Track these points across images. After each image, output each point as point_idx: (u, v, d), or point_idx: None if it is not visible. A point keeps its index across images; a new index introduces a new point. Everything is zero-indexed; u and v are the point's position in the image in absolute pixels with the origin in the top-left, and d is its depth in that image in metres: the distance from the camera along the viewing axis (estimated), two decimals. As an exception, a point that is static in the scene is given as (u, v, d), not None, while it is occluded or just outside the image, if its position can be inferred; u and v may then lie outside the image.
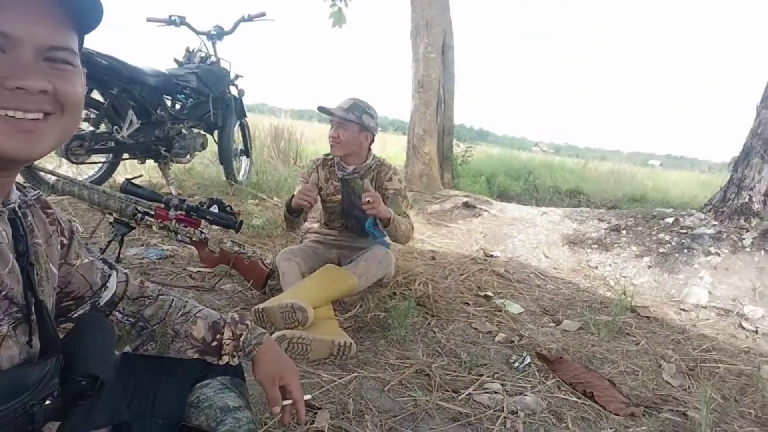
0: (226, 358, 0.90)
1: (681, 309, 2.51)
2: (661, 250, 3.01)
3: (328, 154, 2.22)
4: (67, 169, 3.06)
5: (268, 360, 0.92)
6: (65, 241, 0.77)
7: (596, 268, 2.98)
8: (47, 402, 0.58)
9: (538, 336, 1.95)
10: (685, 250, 2.93)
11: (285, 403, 0.89)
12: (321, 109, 2.14)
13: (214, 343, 0.89)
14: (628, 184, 8.03)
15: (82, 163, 2.81)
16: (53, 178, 1.94)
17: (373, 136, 2.14)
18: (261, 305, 1.69)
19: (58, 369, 0.62)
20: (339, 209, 2.18)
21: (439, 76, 4.61)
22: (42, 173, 2.50)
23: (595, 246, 3.20)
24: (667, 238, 3.10)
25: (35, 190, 0.75)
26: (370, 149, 2.16)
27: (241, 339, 0.91)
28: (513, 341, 1.88)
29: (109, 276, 0.85)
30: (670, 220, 3.27)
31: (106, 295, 0.84)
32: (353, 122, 2.05)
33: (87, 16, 0.59)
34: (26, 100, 0.53)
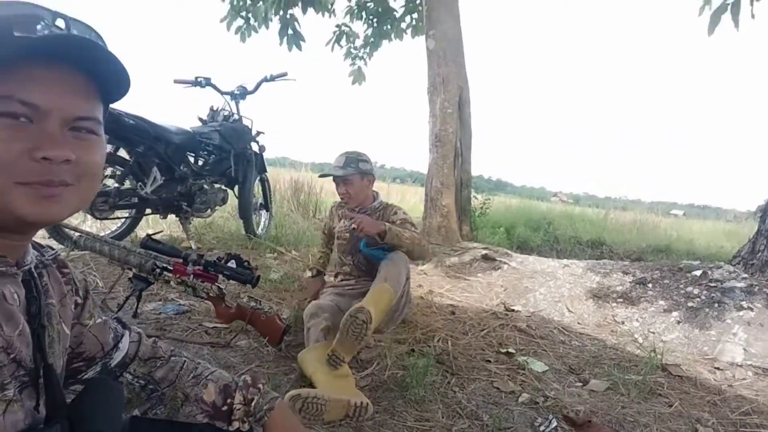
0: (236, 424, 0.86)
1: (715, 367, 2.38)
2: (690, 304, 2.90)
3: (341, 203, 2.51)
4: (91, 224, 3.13)
5: (280, 427, 0.88)
6: (79, 301, 0.77)
7: (623, 323, 2.88)
8: None
9: (564, 396, 1.86)
10: (716, 305, 2.81)
11: None
12: (322, 176, 2.47)
13: (225, 408, 0.86)
14: (652, 234, 7.86)
15: (106, 218, 2.87)
16: (76, 234, 1.98)
17: (374, 177, 2.40)
18: (327, 396, 1.51)
19: None
20: (349, 247, 2.38)
21: (456, 130, 4.68)
22: (66, 229, 2.55)
23: (621, 300, 3.10)
24: (696, 291, 2.99)
25: (53, 249, 0.75)
26: (374, 192, 2.43)
27: (253, 404, 0.87)
28: (537, 402, 1.79)
29: (122, 336, 0.84)
30: (698, 272, 3.17)
31: (118, 356, 0.83)
32: (354, 175, 2.31)
33: (114, 89, 0.61)
34: (51, 171, 0.54)
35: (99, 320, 0.81)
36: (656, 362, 2.23)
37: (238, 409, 0.86)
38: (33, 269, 0.65)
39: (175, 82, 3.51)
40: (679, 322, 2.79)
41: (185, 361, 0.90)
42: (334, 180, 2.38)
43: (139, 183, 2.93)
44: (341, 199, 2.40)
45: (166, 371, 0.87)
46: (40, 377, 0.60)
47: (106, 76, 0.59)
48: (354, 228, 2.10)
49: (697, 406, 1.91)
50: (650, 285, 3.19)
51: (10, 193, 0.53)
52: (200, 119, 3.62)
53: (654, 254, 6.22)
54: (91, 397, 0.65)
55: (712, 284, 3.00)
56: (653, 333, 2.74)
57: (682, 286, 3.10)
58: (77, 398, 0.65)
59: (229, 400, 0.86)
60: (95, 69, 0.57)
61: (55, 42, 0.55)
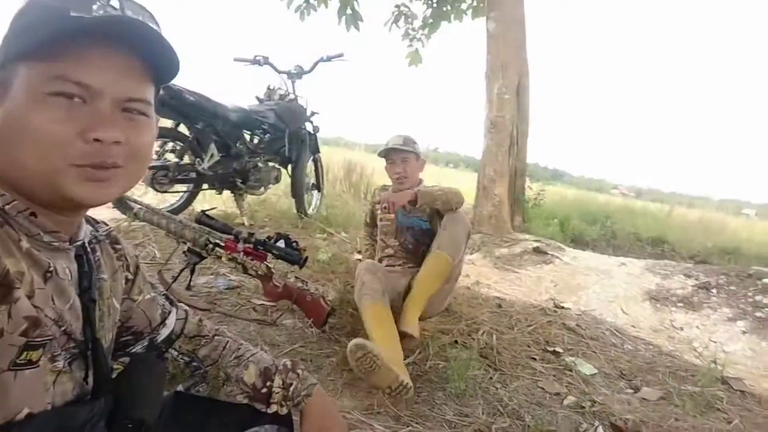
0: (274, 407, 0.87)
1: (783, 385, 2.22)
2: (758, 314, 2.70)
3: (385, 186, 2.55)
4: (152, 196, 3.26)
5: (317, 414, 0.88)
6: (130, 277, 0.79)
7: (681, 329, 2.72)
8: None
9: (612, 403, 1.78)
10: (788, 317, 2.61)
11: None
12: (385, 151, 2.36)
13: (264, 390, 0.87)
14: (719, 234, 7.39)
15: (166, 191, 2.98)
16: (137, 206, 2.06)
17: (424, 162, 2.42)
18: (384, 361, 1.52)
19: (107, 411, 0.62)
20: (393, 228, 2.36)
21: (512, 117, 4.52)
22: (128, 201, 2.68)
23: (681, 304, 2.93)
24: (766, 301, 2.78)
25: (107, 225, 0.77)
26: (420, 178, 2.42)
27: (291, 389, 0.88)
28: (584, 407, 1.72)
29: (169, 313, 0.86)
30: (770, 280, 2.94)
31: (164, 332, 0.85)
32: (413, 153, 2.32)
33: (165, 70, 0.61)
34: (102, 152, 0.55)
35: (148, 296, 0.83)
36: (716, 374, 2.10)
37: (277, 393, 0.87)
38: (87, 244, 0.67)
39: (235, 60, 3.57)
40: (744, 333, 2.60)
41: (228, 341, 0.91)
42: (389, 158, 2.36)
43: (197, 159, 3.02)
44: (395, 178, 2.36)
45: (209, 350, 0.88)
46: (89, 350, 0.62)
47: (158, 58, 0.59)
48: (385, 208, 2.22)
49: (761, 426, 1.78)
50: (714, 290, 3.00)
51: (64, 175, 0.54)
52: (257, 98, 3.68)
53: (720, 257, 5.84)
54: (133, 374, 0.67)
55: (786, 294, 2.78)
56: (714, 342, 2.58)
57: (750, 293, 2.89)
58: (121, 374, 0.67)
59: (268, 383, 0.87)
60: (147, 50, 0.57)
61: (110, 22, 0.55)
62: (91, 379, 0.62)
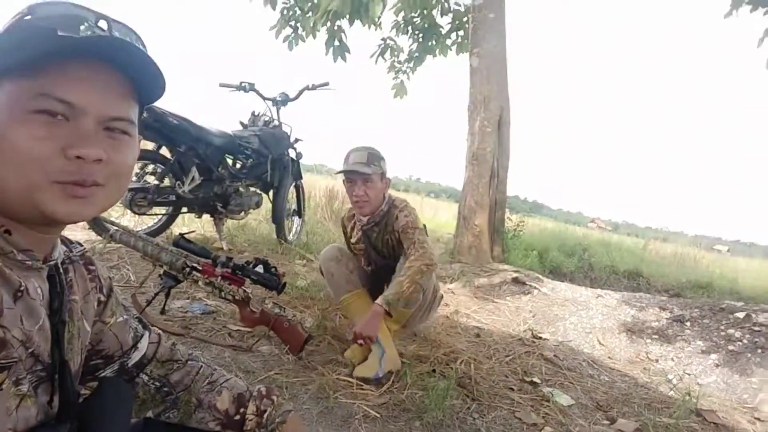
0: None
1: (755, 418, 2.24)
2: (730, 347, 2.74)
3: (352, 210, 2.28)
4: (130, 218, 3.21)
5: None
6: (102, 299, 0.78)
7: (656, 361, 2.75)
8: None
9: (589, 435, 1.78)
10: (759, 350, 2.65)
11: None
12: (346, 173, 2.08)
13: (237, 417, 0.85)
14: (693, 269, 7.54)
15: (144, 213, 2.94)
16: (113, 227, 2.03)
17: (389, 181, 2.16)
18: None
19: None
20: (365, 256, 2.27)
21: (493, 150, 4.62)
22: (104, 222, 2.63)
23: (656, 337, 2.96)
24: (738, 334, 2.83)
25: (81, 245, 0.76)
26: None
27: (265, 415, 0.86)
28: (560, 438, 1.71)
29: (141, 336, 0.84)
30: (741, 315, 3.00)
31: (136, 356, 0.83)
32: (378, 173, 2.06)
33: (150, 90, 0.62)
34: (83, 170, 0.55)
35: (120, 319, 0.81)
36: (690, 406, 2.12)
37: (251, 420, 0.85)
38: (59, 264, 0.66)
39: (221, 85, 3.60)
40: (717, 366, 2.64)
41: (202, 366, 0.89)
42: (348, 179, 2.07)
43: (178, 181, 3.00)
44: (355, 202, 2.09)
45: (182, 375, 0.86)
46: (56, 373, 0.60)
47: (143, 79, 0.60)
48: (359, 344, 1.89)
49: (733, 459, 1.79)
50: (688, 323, 3.05)
51: (44, 191, 0.54)
52: (242, 123, 3.69)
53: (694, 290, 5.95)
54: (102, 398, 0.65)
55: (756, 328, 2.84)
56: (689, 375, 2.61)
57: (723, 327, 2.94)
58: (88, 398, 0.65)
59: (242, 410, 0.85)
60: (133, 71, 0.58)
61: (97, 43, 0.55)
62: (56, 404, 0.60)
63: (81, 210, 0.57)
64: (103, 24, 0.58)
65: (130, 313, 0.85)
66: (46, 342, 0.59)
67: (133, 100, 0.61)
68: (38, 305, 0.58)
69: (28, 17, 0.55)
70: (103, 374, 0.80)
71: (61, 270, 0.66)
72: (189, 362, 0.88)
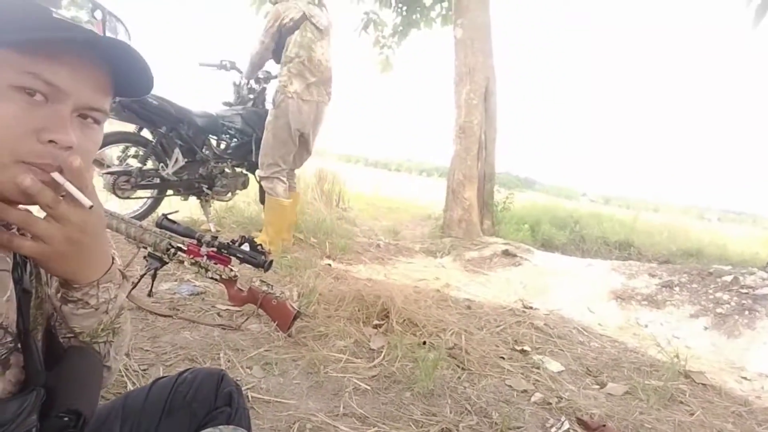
0: None
1: (742, 377, 2.27)
2: (718, 310, 2.77)
3: None
4: (115, 203, 3.17)
5: None
6: None
7: (646, 326, 2.77)
8: None
9: (578, 399, 1.79)
10: (746, 312, 2.69)
11: None
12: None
13: None
14: (683, 237, 7.60)
15: (128, 197, 2.90)
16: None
17: None
18: None
19: (38, 404, 0.59)
20: None
21: (480, 122, 4.58)
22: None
23: (645, 303, 2.99)
24: (726, 297, 2.86)
25: None
26: None
27: None
28: (550, 403, 1.73)
29: None
30: (729, 278, 3.03)
31: None
32: None
33: (134, 87, 0.63)
34: (52, 154, 0.54)
35: None
36: (679, 368, 2.14)
37: None
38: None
39: (201, 65, 3.52)
40: (706, 329, 2.67)
41: None
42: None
43: (161, 164, 2.96)
44: None
45: None
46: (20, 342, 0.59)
47: (127, 74, 0.60)
48: None
49: (721, 417, 1.82)
50: (677, 289, 3.07)
51: (6, 169, 0.53)
52: (228, 104, 3.62)
53: (684, 258, 6.01)
54: (68, 365, 0.65)
55: (744, 291, 2.87)
56: (678, 338, 2.64)
57: (711, 291, 2.97)
58: (56, 365, 0.64)
59: None
60: (120, 66, 0.59)
61: (95, 40, 0.56)
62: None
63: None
64: (98, 14, 0.60)
65: None
66: (14, 312, 0.58)
67: (111, 91, 0.61)
68: (6, 275, 0.58)
69: None
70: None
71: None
72: None
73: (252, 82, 3.61)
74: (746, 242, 8.21)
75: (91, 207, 0.55)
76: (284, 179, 3.24)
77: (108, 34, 0.61)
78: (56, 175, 0.54)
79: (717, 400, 1.97)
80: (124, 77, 0.60)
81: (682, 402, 1.89)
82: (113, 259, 0.69)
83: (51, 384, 0.61)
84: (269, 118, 3.16)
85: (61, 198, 0.55)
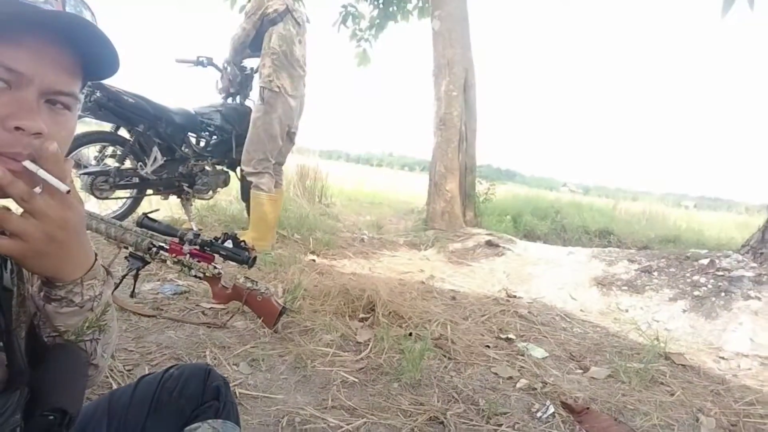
0: None
1: (720, 357, 2.34)
2: (696, 293, 2.84)
3: None
4: (93, 204, 3.11)
5: None
6: None
7: (626, 311, 2.83)
8: None
9: (563, 383, 1.83)
10: (723, 294, 2.76)
11: None
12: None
13: None
14: (661, 224, 7.76)
15: (107, 198, 2.86)
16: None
17: None
18: None
19: (22, 403, 0.58)
20: None
21: (460, 114, 4.61)
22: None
23: (626, 288, 3.05)
24: (703, 280, 2.93)
25: None
26: None
27: None
28: (536, 388, 1.76)
29: None
30: (705, 261, 3.11)
31: None
32: None
33: (101, 68, 0.60)
34: (21, 142, 0.52)
35: None
36: (659, 350, 2.20)
37: None
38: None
39: (177, 61, 3.46)
40: (684, 311, 2.74)
41: None
42: None
43: (140, 163, 2.92)
44: None
45: None
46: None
47: (95, 56, 0.58)
48: None
49: (700, 396, 1.87)
50: (656, 273, 3.14)
51: None
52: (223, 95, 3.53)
53: (662, 244, 6.14)
54: (54, 363, 0.64)
55: (720, 273, 2.94)
56: (657, 321, 2.70)
57: (688, 274, 3.04)
58: (41, 366, 0.63)
59: None
60: (85, 47, 0.56)
61: (50, 16, 0.53)
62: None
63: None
64: None
65: None
66: None
67: (80, 75, 0.59)
68: None
69: None
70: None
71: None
72: None
73: (236, 69, 3.53)
74: (722, 227, 8.42)
75: (68, 192, 0.53)
76: (273, 174, 3.24)
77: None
78: (28, 163, 0.51)
79: (696, 380, 2.02)
80: (89, 57, 0.58)
81: (662, 383, 1.94)
82: (95, 255, 0.68)
83: (35, 382, 0.60)
84: (257, 113, 3.14)
85: (38, 192, 0.53)
